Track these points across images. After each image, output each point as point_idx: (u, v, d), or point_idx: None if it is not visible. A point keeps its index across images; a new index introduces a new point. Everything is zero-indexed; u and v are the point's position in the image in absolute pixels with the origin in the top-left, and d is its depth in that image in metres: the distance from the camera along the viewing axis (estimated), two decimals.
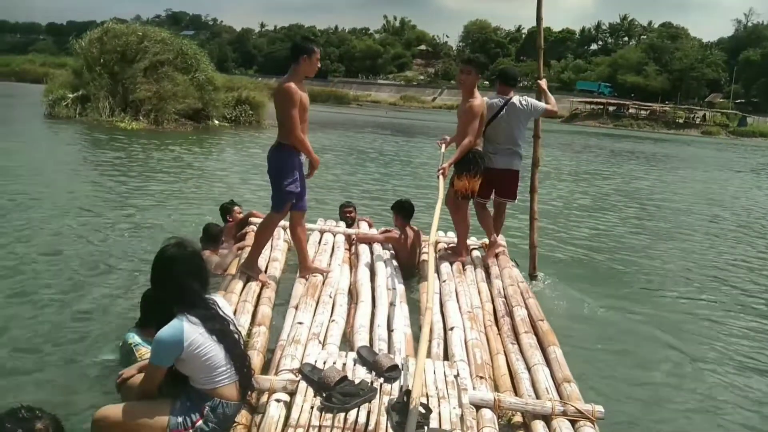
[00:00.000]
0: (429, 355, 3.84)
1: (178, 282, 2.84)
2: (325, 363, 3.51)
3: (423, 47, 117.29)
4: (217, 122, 21.63)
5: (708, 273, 7.73)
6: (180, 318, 2.78)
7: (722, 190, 17.17)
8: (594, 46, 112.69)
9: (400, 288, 4.96)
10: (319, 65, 4.72)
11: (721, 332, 5.63)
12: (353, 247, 6.01)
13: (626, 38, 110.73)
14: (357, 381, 3.30)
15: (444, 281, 5.11)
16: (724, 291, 7.02)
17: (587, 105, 75.33)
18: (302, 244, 5.07)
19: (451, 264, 5.51)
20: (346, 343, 4.06)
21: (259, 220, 6.23)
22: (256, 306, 4.43)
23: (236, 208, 6.54)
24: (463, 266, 5.55)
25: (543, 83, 6.02)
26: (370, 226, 6.58)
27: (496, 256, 5.76)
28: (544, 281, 6.23)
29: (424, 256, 5.82)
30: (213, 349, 2.82)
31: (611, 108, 72.39)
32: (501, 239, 6.03)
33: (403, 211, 5.86)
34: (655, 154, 31.57)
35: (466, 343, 3.97)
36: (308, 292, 4.59)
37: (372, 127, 35.12)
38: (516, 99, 5.66)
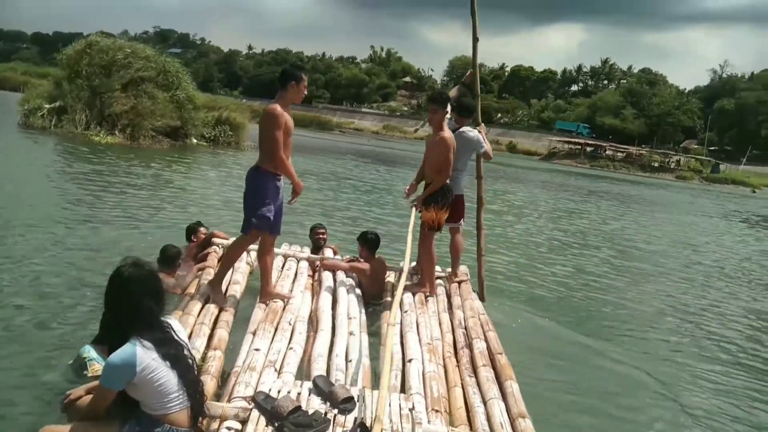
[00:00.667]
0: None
1: (134, 303, 2.77)
2: (279, 392, 3.47)
3: (408, 79, 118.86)
4: (195, 141, 21.49)
5: (678, 315, 7.74)
6: (133, 342, 2.71)
7: (696, 235, 17.37)
8: (574, 88, 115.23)
9: (362, 317, 4.93)
10: (305, 92, 4.77)
11: (686, 374, 5.66)
12: (317, 274, 5.97)
13: (606, 81, 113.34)
14: (311, 411, 3.25)
15: (405, 312, 5.09)
16: (692, 333, 7.06)
17: (566, 144, 76.56)
18: (267, 269, 5.01)
19: (414, 294, 5.52)
20: (303, 371, 4.00)
21: (222, 241, 6.26)
22: (213, 329, 4.36)
23: (201, 228, 6.46)
24: (426, 297, 5.55)
25: (482, 128, 6.20)
26: (335, 252, 6.55)
27: (459, 284, 5.88)
28: (508, 315, 6.27)
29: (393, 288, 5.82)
30: (166, 375, 2.76)
31: (589, 149, 73.66)
32: (464, 269, 6.19)
33: (368, 243, 5.94)
34: (632, 196, 31.99)
35: (423, 375, 3.94)
36: (267, 318, 4.53)
37: (353, 154, 35.22)
38: (465, 128, 5.89)
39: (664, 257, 12.40)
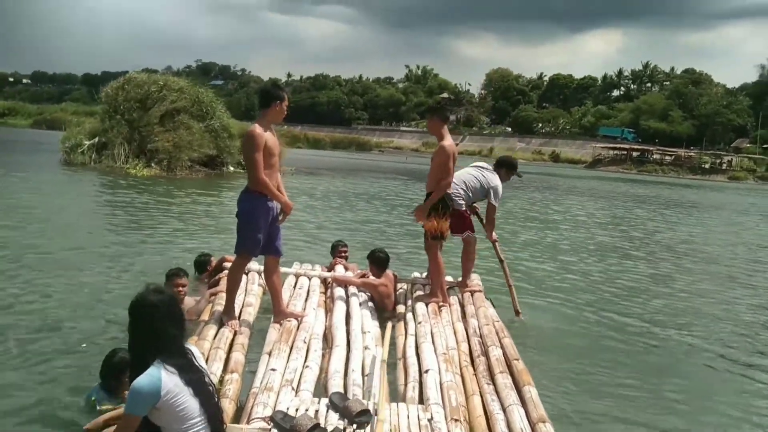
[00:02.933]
0: (404, 398, 3.86)
1: (157, 329, 2.77)
2: (297, 410, 3.49)
3: (445, 95, 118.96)
4: (231, 168, 21.86)
5: (735, 330, 6.97)
6: (157, 366, 2.71)
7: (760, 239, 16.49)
8: (616, 93, 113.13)
9: (376, 331, 4.92)
10: (287, 112, 4.80)
11: (732, 391, 5.22)
12: (329, 290, 5.97)
13: (648, 84, 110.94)
14: (330, 428, 3.27)
15: (419, 323, 5.06)
16: (745, 347, 6.38)
17: (611, 150, 74.99)
18: (276, 289, 5.01)
19: (427, 305, 5.49)
20: (321, 389, 3.99)
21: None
22: (228, 353, 4.37)
23: (211, 258, 6.66)
24: (439, 306, 5.51)
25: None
26: (347, 268, 6.55)
27: (471, 294, 5.84)
28: (535, 319, 6.20)
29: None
30: (188, 401, 2.75)
31: (635, 153, 71.98)
32: (477, 278, 6.17)
33: (377, 261, 5.95)
34: (690, 200, 30.81)
35: (441, 385, 3.92)
36: (282, 338, 4.53)
37: (392, 172, 35.24)
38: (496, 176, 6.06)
39: (734, 269, 11.22)
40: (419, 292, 5.84)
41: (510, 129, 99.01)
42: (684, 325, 6.91)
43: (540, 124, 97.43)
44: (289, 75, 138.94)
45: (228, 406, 3.51)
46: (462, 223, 5.87)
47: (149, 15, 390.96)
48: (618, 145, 75.94)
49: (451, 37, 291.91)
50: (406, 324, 5.19)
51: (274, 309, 5.00)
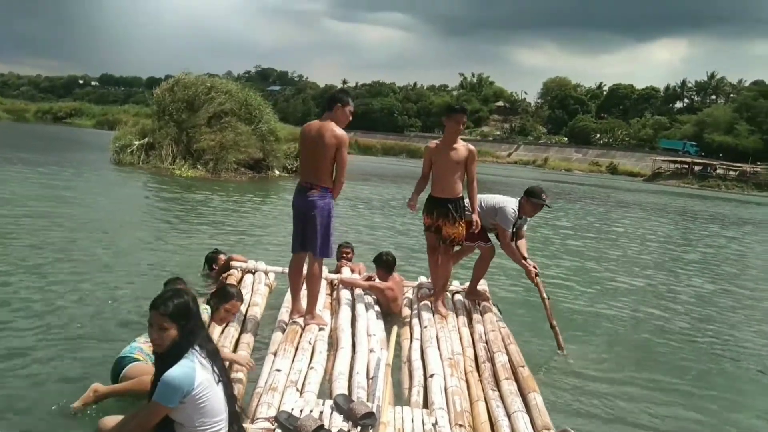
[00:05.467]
0: (408, 402, 3.89)
1: (194, 315, 2.80)
2: (302, 411, 3.51)
3: (500, 103, 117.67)
4: (277, 172, 22.05)
5: None
6: (190, 358, 2.71)
7: None
8: (679, 104, 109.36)
9: (381, 334, 4.90)
10: (350, 118, 4.85)
11: None
12: (335, 292, 5.98)
13: (713, 96, 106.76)
14: (334, 430, 3.30)
15: (425, 327, 5.05)
16: None
17: (671, 164, 72.33)
18: (315, 290, 4.99)
19: (433, 310, 5.45)
20: (325, 390, 4.01)
21: (240, 264, 6.40)
22: (234, 351, 4.40)
23: (221, 255, 6.74)
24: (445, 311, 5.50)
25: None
26: (353, 270, 6.54)
27: (478, 301, 5.79)
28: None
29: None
30: (214, 397, 2.74)
31: (697, 168, 69.15)
32: (484, 284, 6.11)
33: (383, 264, 5.94)
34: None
35: (446, 390, 3.92)
36: (287, 339, 4.54)
37: None
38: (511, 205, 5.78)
39: None
40: (426, 297, 5.80)
41: (566, 139, 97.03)
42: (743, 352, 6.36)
43: (598, 135, 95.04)
44: (344, 81, 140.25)
45: None
46: (472, 233, 5.71)
47: (213, 21, 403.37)
48: (679, 159, 73.16)
49: (507, 46, 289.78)
50: (411, 328, 5.19)
51: (307, 308, 4.96)
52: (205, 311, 4.30)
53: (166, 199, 14.14)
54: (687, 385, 5.21)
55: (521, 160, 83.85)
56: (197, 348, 2.75)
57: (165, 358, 2.73)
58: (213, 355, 2.81)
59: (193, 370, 2.67)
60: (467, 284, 6.07)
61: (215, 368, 2.77)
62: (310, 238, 4.74)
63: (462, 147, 5.43)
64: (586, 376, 5.11)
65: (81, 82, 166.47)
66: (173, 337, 2.71)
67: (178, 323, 2.72)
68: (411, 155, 69.45)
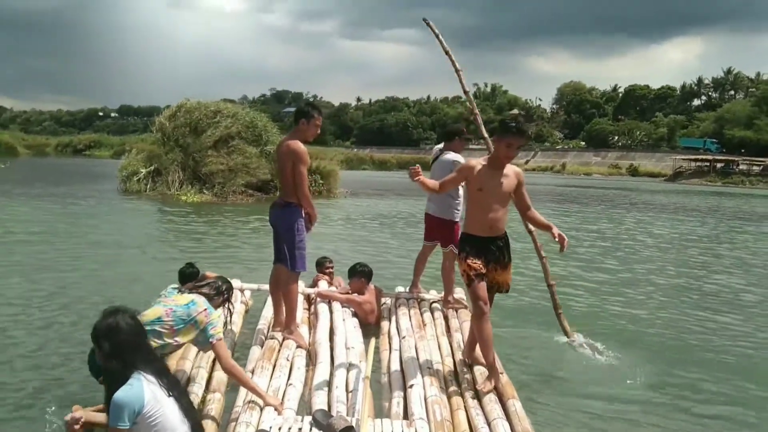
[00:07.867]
0: (389, 414, 3.87)
1: (135, 342, 2.84)
2: (280, 429, 3.52)
3: (515, 111, 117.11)
4: None
5: None
6: (137, 377, 2.75)
7: None
8: (696, 102, 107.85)
9: (360, 347, 4.85)
10: (318, 131, 4.91)
11: None
12: (312, 306, 5.92)
13: (732, 92, 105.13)
14: None
15: (404, 337, 5.02)
16: None
17: (692, 162, 71.17)
18: (290, 303, 4.95)
19: (411, 319, 5.45)
20: (305, 406, 3.98)
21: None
22: (210, 372, 4.35)
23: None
24: (423, 321, 5.48)
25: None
26: (330, 283, 6.48)
27: (456, 309, 5.77)
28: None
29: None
30: (167, 414, 2.77)
31: (719, 165, 67.94)
32: (460, 291, 6.05)
33: (357, 274, 5.92)
34: None
35: (425, 400, 3.90)
36: (265, 356, 4.50)
37: None
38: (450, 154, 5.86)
39: None
40: (404, 307, 5.82)
41: (584, 143, 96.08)
42: None
43: (616, 137, 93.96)
44: (358, 99, 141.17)
45: (210, 426, 3.49)
46: (451, 236, 5.68)
47: (227, 47, 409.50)
48: (700, 156, 71.95)
49: (520, 54, 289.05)
50: (390, 339, 5.15)
51: (286, 323, 4.93)
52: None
53: (165, 227, 13.81)
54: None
55: (539, 166, 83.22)
56: (140, 370, 2.78)
57: (110, 383, 2.81)
58: (160, 372, 2.84)
59: (140, 389, 2.72)
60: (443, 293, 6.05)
61: (162, 384, 2.80)
62: (281, 251, 4.83)
63: (512, 173, 4.27)
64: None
65: (101, 114, 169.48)
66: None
67: (115, 358, 2.79)
68: (426, 168, 69.36)
